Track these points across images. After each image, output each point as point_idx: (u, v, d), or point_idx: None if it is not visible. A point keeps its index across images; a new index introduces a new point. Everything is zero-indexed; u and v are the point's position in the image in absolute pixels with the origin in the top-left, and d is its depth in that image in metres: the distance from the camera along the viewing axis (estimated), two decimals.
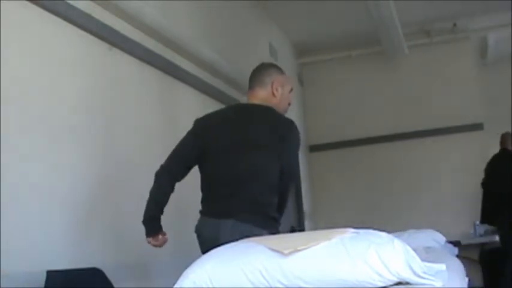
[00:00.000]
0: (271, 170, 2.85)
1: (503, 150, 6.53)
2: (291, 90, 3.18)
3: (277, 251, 1.76)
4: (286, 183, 2.94)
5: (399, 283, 1.66)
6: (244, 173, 2.85)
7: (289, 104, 3.18)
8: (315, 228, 7.36)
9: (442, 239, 3.86)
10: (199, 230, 2.94)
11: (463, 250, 5.38)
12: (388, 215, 7.41)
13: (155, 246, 2.99)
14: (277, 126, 2.91)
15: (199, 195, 3.20)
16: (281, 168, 2.85)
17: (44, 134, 2.95)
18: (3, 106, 2.63)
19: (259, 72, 3.08)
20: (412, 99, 7.99)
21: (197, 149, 3.01)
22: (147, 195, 3.87)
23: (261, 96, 3.01)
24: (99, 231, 3.29)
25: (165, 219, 4.07)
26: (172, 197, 4.20)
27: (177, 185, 4.30)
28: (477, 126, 7.81)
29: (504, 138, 6.56)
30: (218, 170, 2.92)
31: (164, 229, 4.04)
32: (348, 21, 7.30)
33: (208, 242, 2.72)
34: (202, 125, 3.06)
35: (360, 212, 7.57)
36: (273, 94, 3.02)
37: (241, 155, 2.85)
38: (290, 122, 2.99)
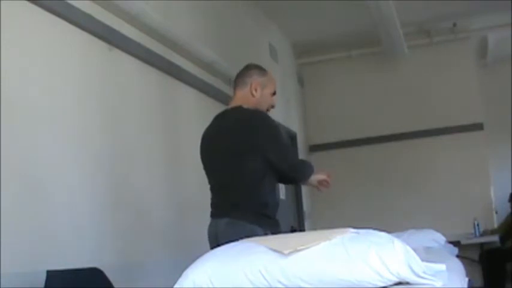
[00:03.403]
0: (248, 171, 2.92)
1: None
2: (274, 93, 3.20)
3: (277, 251, 1.76)
4: (282, 169, 2.98)
5: (399, 283, 1.66)
6: (225, 180, 3.01)
7: (272, 107, 3.22)
8: (315, 228, 7.36)
9: (442, 239, 3.85)
10: (207, 231, 3.05)
11: (463, 250, 5.39)
12: (388, 215, 7.41)
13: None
14: (244, 123, 2.97)
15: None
16: (268, 160, 2.91)
17: (43, 134, 2.95)
18: (3, 105, 2.63)
19: (242, 73, 3.18)
20: (412, 99, 7.99)
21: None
22: (147, 195, 3.88)
23: (240, 96, 3.11)
24: (99, 231, 3.29)
25: (166, 220, 4.09)
26: (173, 199, 4.22)
27: (178, 187, 4.32)
28: (477, 126, 7.81)
29: None
30: (209, 178, 3.11)
31: (165, 230, 4.07)
32: (348, 21, 7.30)
33: (210, 240, 2.96)
34: (201, 139, 3.19)
35: (359, 212, 7.57)
36: (252, 94, 3.10)
37: (220, 163, 3.02)
38: (252, 113, 3.01)
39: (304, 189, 7.67)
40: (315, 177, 3.25)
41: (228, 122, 3.04)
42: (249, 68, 3.19)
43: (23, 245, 2.68)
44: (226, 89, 5.20)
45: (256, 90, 3.09)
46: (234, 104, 3.10)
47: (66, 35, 3.23)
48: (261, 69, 3.19)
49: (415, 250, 1.74)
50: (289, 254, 1.73)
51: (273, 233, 2.87)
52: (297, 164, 3.18)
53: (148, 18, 3.86)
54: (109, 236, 3.38)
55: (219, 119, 3.13)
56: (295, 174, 3.10)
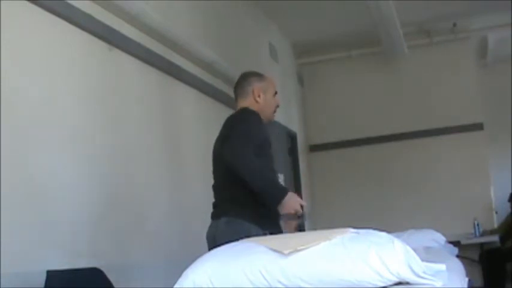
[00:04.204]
0: (225, 173, 2.89)
1: None
2: (276, 93, 3.21)
3: (277, 251, 1.76)
4: (234, 171, 2.79)
5: (399, 283, 1.66)
6: (217, 181, 3.06)
7: (277, 106, 3.23)
8: (315, 228, 7.36)
9: (442, 239, 3.86)
10: (206, 233, 3.06)
11: (463, 250, 5.38)
12: (388, 215, 7.41)
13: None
14: (231, 123, 2.98)
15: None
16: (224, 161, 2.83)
17: (43, 134, 2.95)
18: (3, 105, 2.63)
19: (240, 83, 3.19)
20: (412, 99, 7.99)
21: None
22: (147, 194, 3.88)
23: (244, 105, 3.12)
24: (99, 231, 3.29)
25: (166, 220, 4.09)
26: (173, 199, 4.22)
27: (178, 187, 4.32)
28: (477, 126, 7.81)
29: None
30: (213, 178, 3.13)
31: (165, 230, 4.07)
32: (348, 21, 7.30)
33: (208, 242, 2.96)
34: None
35: (360, 212, 7.57)
36: (256, 101, 3.11)
37: (219, 163, 3.03)
38: (244, 112, 3.01)
39: (304, 189, 7.67)
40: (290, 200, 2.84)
41: (229, 121, 3.07)
42: (247, 77, 3.20)
43: (23, 245, 2.68)
44: (226, 89, 5.20)
45: (259, 96, 3.12)
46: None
47: (66, 35, 3.23)
48: (258, 75, 3.21)
49: (415, 250, 1.74)
50: (289, 254, 1.73)
51: (272, 234, 2.85)
52: (239, 155, 2.76)
53: (148, 18, 3.86)
54: (109, 236, 3.38)
55: (227, 119, 3.14)
56: (229, 161, 2.77)
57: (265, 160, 2.90)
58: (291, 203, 2.81)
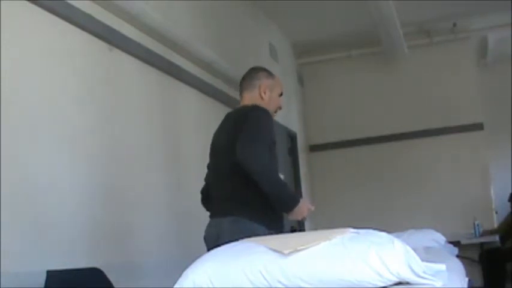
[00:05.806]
0: (232, 171, 2.82)
1: None
2: (281, 94, 3.19)
3: (277, 251, 1.76)
4: (238, 157, 2.71)
5: (399, 283, 1.66)
6: (217, 176, 3.00)
7: (279, 108, 3.20)
8: (315, 228, 7.36)
9: (442, 239, 3.86)
10: (206, 232, 3.02)
11: (463, 250, 5.39)
12: (388, 215, 7.41)
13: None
14: (239, 119, 2.89)
15: (199, 196, 3.22)
16: (235, 159, 2.73)
17: (43, 134, 2.95)
18: (3, 105, 2.63)
19: (248, 76, 3.16)
20: (412, 99, 7.99)
21: None
22: (146, 194, 3.88)
23: (249, 97, 3.09)
24: (99, 231, 3.29)
25: (166, 220, 4.09)
26: (173, 198, 4.22)
27: (178, 187, 4.33)
28: (477, 126, 7.81)
29: None
30: (212, 175, 3.11)
31: (165, 229, 4.07)
32: (348, 21, 7.30)
33: (209, 241, 2.91)
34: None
35: (360, 212, 7.57)
36: (261, 97, 3.08)
37: (215, 161, 3.04)
38: (250, 108, 2.95)
39: (304, 189, 7.67)
40: (303, 205, 2.85)
41: (233, 117, 3.03)
42: (256, 71, 3.18)
43: (23, 245, 2.68)
44: (226, 89, 5.20)
45: (265, 92, 3.09)
46: (242, 104, 3.11)
47: (66, 35, 3.23)
48: (268, 72, 3.19)
49: (415, 250, 1.74)
50: (289, 254, 1.73)
51: (278, 233, 2.80)
52: (259, 160, 2.70)
53: (148, 18, 3.86)
54: (109, 236, 3.38)
55: (226, 117, 3.11)
56: (246, 163, 2.69)
57: (274, 161, 2.90)
58: (301, 210, 2.84)
